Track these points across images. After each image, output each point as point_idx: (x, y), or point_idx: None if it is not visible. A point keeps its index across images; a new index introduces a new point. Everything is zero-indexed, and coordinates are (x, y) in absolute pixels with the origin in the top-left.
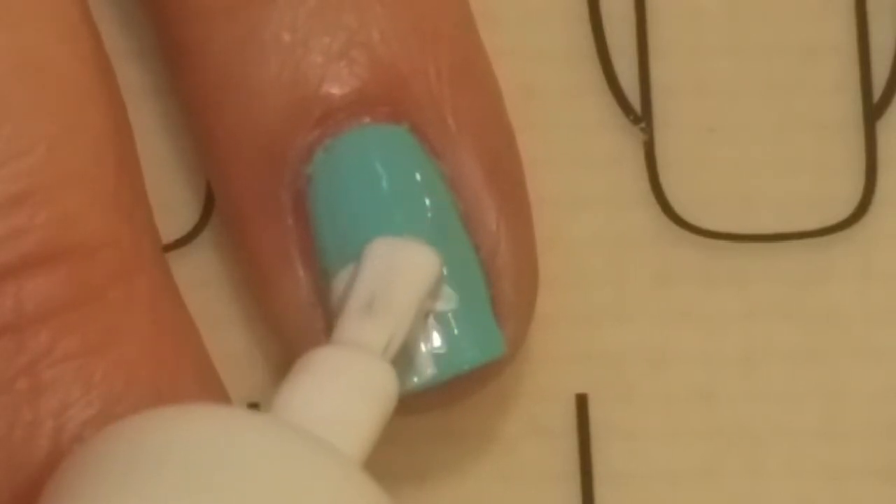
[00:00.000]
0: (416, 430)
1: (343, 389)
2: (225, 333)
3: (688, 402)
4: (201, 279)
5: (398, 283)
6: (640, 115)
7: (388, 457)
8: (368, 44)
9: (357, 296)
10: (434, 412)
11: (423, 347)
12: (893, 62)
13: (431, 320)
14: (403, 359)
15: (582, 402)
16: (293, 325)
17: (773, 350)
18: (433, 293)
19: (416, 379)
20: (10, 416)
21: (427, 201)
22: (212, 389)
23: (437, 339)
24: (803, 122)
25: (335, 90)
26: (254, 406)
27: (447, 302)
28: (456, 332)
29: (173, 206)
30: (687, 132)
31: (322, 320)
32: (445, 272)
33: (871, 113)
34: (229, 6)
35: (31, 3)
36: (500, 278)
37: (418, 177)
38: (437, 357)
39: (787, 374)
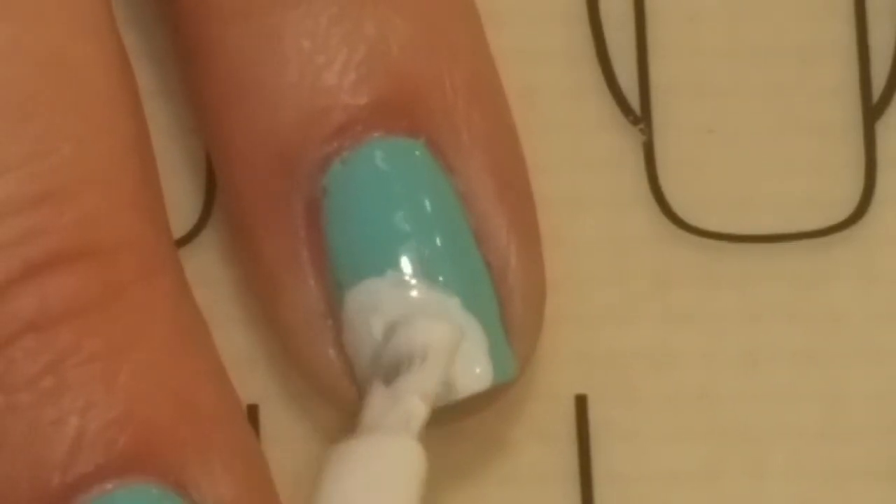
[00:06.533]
0: None
1: (375, 482)
2: (225, 334)
3: (688, 403)
4: (201, 279)
5: (422, 361)
6: (639, 116)
7: None
8: (388, 55)
9: (381, 369)
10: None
11: None
12: (893, 62)
13: None
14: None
15: (582, 403)
16: (301, 336)
17: (773, 351)
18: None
19: None
20: (33, 415)
21: (442, 218)
22: (225, 390)
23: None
24: (803, 122)
25: (354, 101)
26: (253, 407)
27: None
28: (469, 354)
29: (173, 206)
30: (686, 133)
31: (331, 332)
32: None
33: (871, 113)
34: (248, 8)
35: (59, 4)
36: (511, 295)
37: (433, 193)
38: (449, 380)
39: (788, 375)
